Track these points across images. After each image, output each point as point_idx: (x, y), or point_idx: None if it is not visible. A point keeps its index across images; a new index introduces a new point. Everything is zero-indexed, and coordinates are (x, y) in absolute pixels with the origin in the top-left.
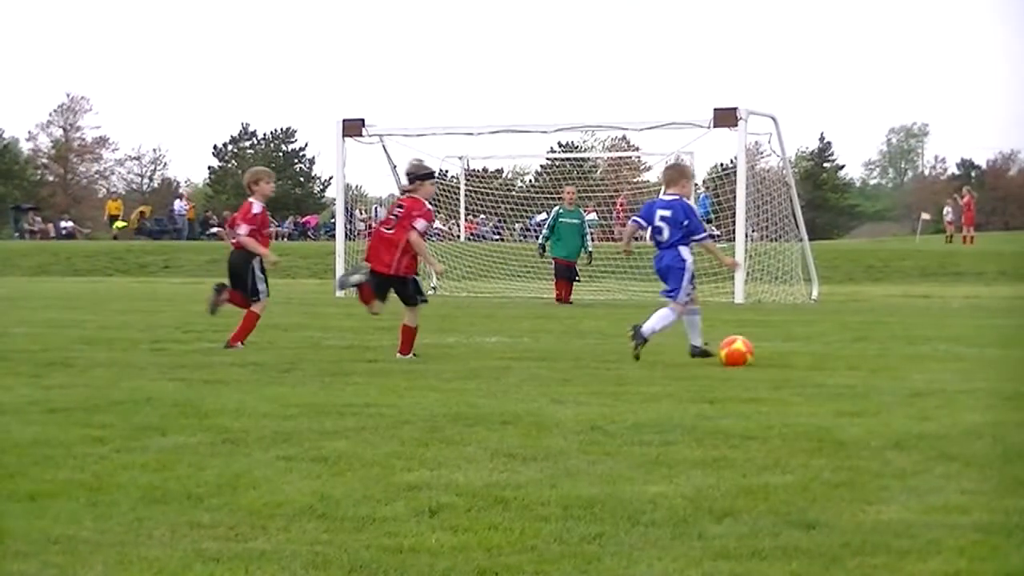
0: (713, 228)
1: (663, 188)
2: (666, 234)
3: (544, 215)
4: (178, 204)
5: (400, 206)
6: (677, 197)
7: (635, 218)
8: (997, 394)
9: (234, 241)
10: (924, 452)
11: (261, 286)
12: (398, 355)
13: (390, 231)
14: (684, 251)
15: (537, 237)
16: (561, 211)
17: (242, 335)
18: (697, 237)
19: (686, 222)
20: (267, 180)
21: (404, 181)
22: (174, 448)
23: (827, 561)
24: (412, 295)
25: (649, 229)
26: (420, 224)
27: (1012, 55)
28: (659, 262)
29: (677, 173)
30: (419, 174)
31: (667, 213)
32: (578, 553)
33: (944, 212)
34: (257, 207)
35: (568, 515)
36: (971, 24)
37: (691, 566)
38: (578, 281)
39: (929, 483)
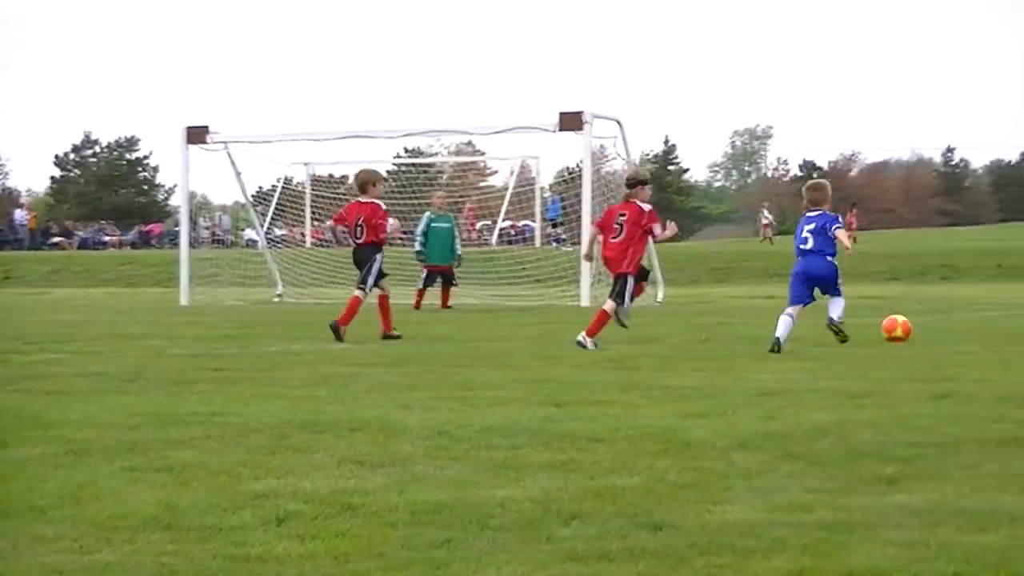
0: (560, 232)
1: (806, 206)
2: (811, 243)
3: (393, 220)
4: (19, 214)
5: (623, 213)
6: (821, 212)
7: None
8: (841, 393)
9: (379, 237)
10: (769, 451)
11: (371, 280)
12: (583, 336)
13: (616, 239)
14: (832, 259)
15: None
16: (432, 216)
17: (387, 321)
18: (837, 226)
19: (834, 226)
20: (381, 182)
21: (624, 188)
22: (16, 461)
23: (674, 562)
24: (621, 292)
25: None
26: (656, 229)
27: (853, 57)
28: (808, 269)
29: (823, 195)
30: (637, 179)
31: (812, 225)
32: (426, 559)
33: (760, 215)
34: (383, 205)
35: (416, 521)
36: (813, 26)
37: (539, 569)
38: (455, 285)
39: (774, 482)
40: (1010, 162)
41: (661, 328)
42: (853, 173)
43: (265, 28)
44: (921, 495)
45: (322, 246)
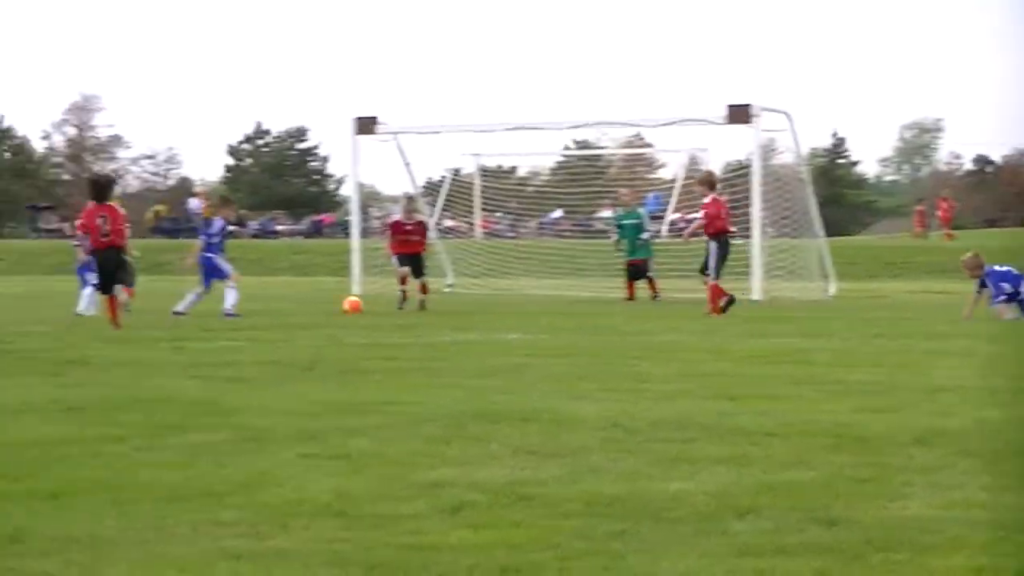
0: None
1: None
2: None
3: (559, 212)
4: (193, 202)
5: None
6: None
7: None
8: (1018, 390)
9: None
10: (946, 448)
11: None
12: None
13: None
14: None
15: (555, 234)
16: (621, 213)
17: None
18: None
19: None
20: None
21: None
22: (195, 446)
23: (850, 557)
24: None
25: None
26: None
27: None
28: None
29: None
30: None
31: None
32: (602, 550)
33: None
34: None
35: (591, 512)
36: (985, 17)
37: (715, 563)
38: (650, 277)
39: (952, 479)
40: None
41: (833, 323)
42: None
43: (434, 18)
44: None
45: (492, 236)
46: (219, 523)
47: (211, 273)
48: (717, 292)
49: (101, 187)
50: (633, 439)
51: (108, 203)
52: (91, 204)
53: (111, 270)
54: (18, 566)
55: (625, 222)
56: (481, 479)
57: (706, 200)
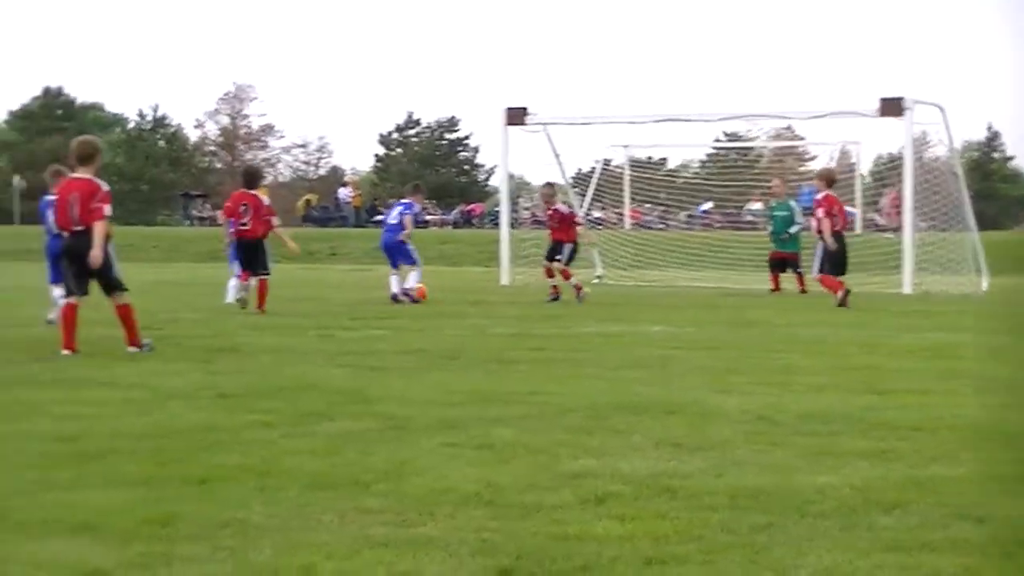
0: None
1: None
2: None
3: (709, 203)
4: (343, 192)
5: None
6: None
7: None
8: None
9: None
10: None
11: None
12: None
13: None
14: None
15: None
16: (773, 204)
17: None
18: None
19: None
20: None
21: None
22: (340, 434)
23: (999, 555)
24: None
25: None
26: None
27: None
28: None
29: None
30: None
31: None
32: (747, 543)
33: None
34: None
35: (735, 505)
36: None
37: (861, 557)
38: (799, 272)
39: None
40: None
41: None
42: None
43: (585, 9)
44: None
45: (641, 228)
46: (365, 510)
47: (406, 256)
48: (828, 282)
49: (248, 176)
50: (779, 432)
51: (253, 192)
52: (239, 191)
53: (248, 257)
54: (168, 550)
55: (776, 214)
56: (625, 470)
57: (818, 196)
